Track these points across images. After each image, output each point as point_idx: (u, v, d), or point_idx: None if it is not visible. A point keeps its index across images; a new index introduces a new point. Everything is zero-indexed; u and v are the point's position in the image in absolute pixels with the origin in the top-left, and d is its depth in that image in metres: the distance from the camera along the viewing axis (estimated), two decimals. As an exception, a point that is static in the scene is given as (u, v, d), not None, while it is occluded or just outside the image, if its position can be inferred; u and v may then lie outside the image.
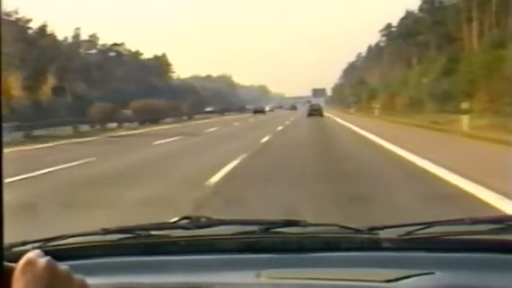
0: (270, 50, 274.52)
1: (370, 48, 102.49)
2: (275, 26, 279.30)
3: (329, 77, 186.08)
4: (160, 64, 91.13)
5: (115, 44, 76.79)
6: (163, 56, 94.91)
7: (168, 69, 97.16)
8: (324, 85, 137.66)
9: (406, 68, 65.33)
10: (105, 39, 78.24)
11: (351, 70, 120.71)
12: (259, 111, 73.86)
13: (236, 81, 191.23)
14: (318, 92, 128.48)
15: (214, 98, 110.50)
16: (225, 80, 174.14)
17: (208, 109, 74.78)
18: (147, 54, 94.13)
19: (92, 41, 73.91)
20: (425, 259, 1.35)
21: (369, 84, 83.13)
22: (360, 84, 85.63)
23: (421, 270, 1.27)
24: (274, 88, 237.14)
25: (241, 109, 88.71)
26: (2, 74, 0.73)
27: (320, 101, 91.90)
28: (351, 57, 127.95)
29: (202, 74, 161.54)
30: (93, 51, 74.55)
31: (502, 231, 1.44)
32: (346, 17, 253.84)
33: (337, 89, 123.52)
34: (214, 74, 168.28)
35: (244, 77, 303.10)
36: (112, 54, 77.72)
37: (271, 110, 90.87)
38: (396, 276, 1.25)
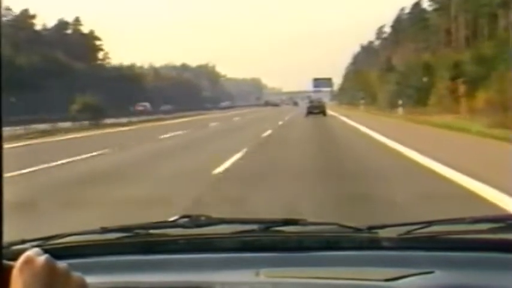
0: (265, 39, 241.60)
1: (398, 19, 70.40)
2: (270, 11, 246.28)
3: (334, 69, 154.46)
4: (70, 38, 57.26)
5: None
6: (78, 22, 61.04)
7: (94, 46, 63.18)
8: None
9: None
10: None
11: (366, 54, 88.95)
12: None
13: (223, 73, 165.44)
14: (321, 83, 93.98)
15: (171, 91, 76.94)
16: (206, 71, 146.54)
17: None
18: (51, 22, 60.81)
19: None
20: (425, 258, 1.34)
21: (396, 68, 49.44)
22: (388, 70, 51.48)
23: (420, 269, 1.26)
24: (269, 81, 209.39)
25: None
26: (2, 74, 0.73)
27: (323, 97, 68.57)
28: (361, 45, 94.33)
29: (179, 62, 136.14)
30: None
31: (502, 230, 1.43)
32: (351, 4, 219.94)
33: (352, 77, 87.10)
34: (194, 64, 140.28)
35: (235, 69, 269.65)
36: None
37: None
38: (396, 275, 1.25)
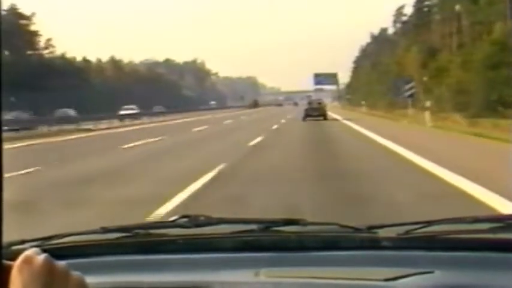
0: (262, 35, 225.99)
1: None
2: (267, 5, 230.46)
3: (337, 66, 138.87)
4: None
5: None
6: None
7: (19, 28, 47.06)
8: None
9: None
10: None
11: (377, 45, 73.70)
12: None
13: (214, 71, 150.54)
14: (324, 80, 77.60)
15: (135, 90, 60.74)
16: (194, 68, 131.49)
17: None
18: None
19: None
20: (425, 258, 1.34)
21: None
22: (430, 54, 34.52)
23: (420, 269, 1.27)
24: (268, 81, 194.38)
25: None
26: (2, 74, 0.73)
27: (325, 97, 59.87)
28: (371, 34, 78.08)
29: (164, 59, 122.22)
30: None
31: (502, 230, 1.43)
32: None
33: (367, 70, 66.05)
34: (181, 60, 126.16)
35: (229, 67, 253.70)
36: None
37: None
38: (395, 275, 1.25)
